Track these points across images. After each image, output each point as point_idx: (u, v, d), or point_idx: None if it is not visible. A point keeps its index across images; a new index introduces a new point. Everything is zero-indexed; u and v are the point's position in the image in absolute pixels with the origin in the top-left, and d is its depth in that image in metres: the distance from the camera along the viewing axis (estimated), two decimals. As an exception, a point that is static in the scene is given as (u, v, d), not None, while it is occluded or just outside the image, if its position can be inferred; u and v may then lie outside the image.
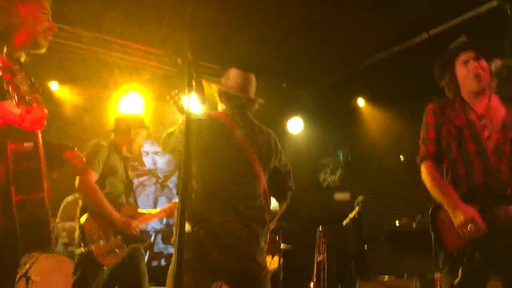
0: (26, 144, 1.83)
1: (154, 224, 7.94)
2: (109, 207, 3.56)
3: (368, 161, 7.64)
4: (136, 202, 3.99)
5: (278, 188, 2.86)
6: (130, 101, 6.98)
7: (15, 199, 1.76)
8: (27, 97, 1.82)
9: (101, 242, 3.48)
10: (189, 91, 1.85)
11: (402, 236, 5.36)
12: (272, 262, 5.71)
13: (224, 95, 2.90)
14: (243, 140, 2.77)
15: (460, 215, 2.36)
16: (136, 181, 7.98)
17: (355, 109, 7.93)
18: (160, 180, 8.19)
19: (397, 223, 5.56)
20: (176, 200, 4.18)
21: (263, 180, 2.77)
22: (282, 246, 5.70)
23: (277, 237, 5.82)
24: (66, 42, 6.17)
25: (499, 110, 2.58)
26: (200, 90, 1.99)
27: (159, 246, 7.93)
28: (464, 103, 2.64)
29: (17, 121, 1.84)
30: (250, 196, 2.67)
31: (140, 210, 3.93)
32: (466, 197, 2.44)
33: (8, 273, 1.92)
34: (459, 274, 2.32)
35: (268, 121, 9.18)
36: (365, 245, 6.08)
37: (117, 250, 3.55)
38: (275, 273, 6.00)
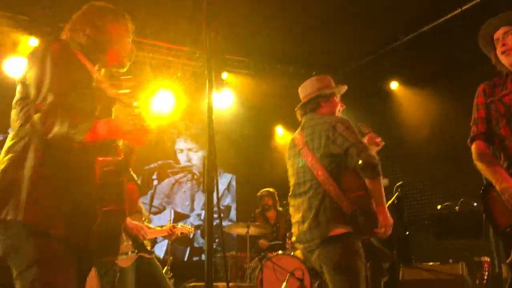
0: (115, 158, 1.94)
1: (192, 220, 8.01)
2: None
3: (405, 145, 7.46)
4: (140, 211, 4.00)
5: (354, 169, 2.81)
6: (161, 99, 7.03)
7: (104, 209, 1.86)
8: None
9: None
10: (210, 83, 1.80)
11: (445, 219, 5.19)
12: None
13: None
14: (304, 150, 2.94)
15: (508, 190, 2.31)
16: (172, 179, 8.06)
17: (389, 93, 7.75)
18: (196, 177, 8.25)
19: (438, 207, 5.39)
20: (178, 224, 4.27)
21: (320, 170, 2.79)
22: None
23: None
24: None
25: None
26: (218, 80, 1.95)
27: (199, 241, 8.01)
28: None
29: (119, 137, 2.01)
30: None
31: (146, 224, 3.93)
32: None
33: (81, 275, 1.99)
34: None
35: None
36: (407, 231, 5.93)
37: (129, 253, 3.59)
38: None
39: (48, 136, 1.79)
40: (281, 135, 8.78)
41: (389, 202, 5.46)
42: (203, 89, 2.88)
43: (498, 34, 2.60)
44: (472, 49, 6.46)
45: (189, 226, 4.50)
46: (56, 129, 1.77)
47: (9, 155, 1.87)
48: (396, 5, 5.91)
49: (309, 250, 2.77)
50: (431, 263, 5.18)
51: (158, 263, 3.85)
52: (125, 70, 2.26)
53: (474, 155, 2.58)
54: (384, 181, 8.60)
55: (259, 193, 6.42)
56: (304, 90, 3.18)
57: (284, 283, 4.75)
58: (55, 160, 1.85)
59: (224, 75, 7.40)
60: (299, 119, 3.20)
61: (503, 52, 2.57)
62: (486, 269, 4.69)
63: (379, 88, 7.72)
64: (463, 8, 5.94)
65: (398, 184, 5.55)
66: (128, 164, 2.00)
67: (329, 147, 2.77)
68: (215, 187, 1.70)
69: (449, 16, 6.20)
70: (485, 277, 4.64)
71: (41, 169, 1.83)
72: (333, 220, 2.67)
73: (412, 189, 6.90)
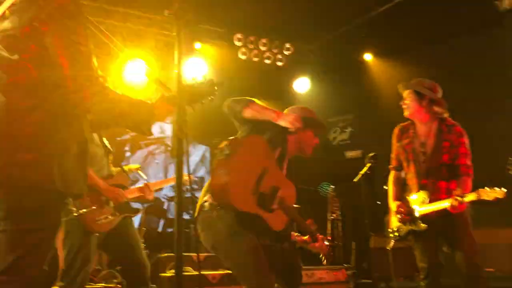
0: None
1: (167, 191, 7.98)
2: (89, 173, 3.43)
3: (379, 116, 7.53)
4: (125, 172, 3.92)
5: None
6: (134, 68, 6.88)
7: None
8: None
9: (94, 208, 3.43)
10: (179, 46, 1.76)
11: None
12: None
13: None
14: None
15: (392, 205, 3.67)
16: (145, 150, 7.98)
17: (363, 64, 7.77)
18: (169, 148, 8.18)
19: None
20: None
21: None
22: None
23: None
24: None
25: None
26: (189, 41, 1.90)
27: (173, 212, 8.00)
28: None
29: None
30: None
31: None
32: None
33: None
34: None
35: (275, 82, 9.10)
36: (378, 201, 6.04)
37: (109, 217, 3.52)
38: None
39: None
40: (256, 106, 8.72)
41: (362, 172, 5.53)
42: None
43: (403, 94, 3.67)
44: (444, 21, 6.52)
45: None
46: None
47: None
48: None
49: None
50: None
51: (131, 221, 3.79)
52: None
53: (388, 181, 3.76)
54: (357, 152, 8.77)
55: None
56: None
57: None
58: None
59: (198, 45, 7.28)
60: None
61: (404, 108, 3.61)
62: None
63: (353, 59, 7.72)
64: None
65: (370, 155, 5.61)
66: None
67: None
68: (186, 154, 1.68)
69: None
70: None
71: None
72: None
73: (385, 159, 6.99)
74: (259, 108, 2.79)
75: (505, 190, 3.13)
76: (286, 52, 7.85)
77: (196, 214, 2.73)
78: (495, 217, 5.38)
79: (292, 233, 3.14)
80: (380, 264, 5.56)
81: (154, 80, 1.96)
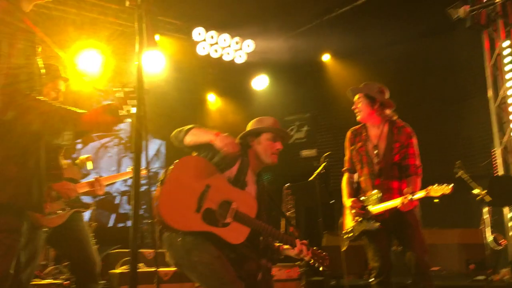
0: None
1: (119, 186, 7.79)
2: None
3: (335, 116, 7.64)
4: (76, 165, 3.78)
5: None
6: (88, 59, 6.66)
7: None
8: None
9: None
10: (141, 38, 1.69)
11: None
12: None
13: None
14: None
15: (347, 203, 3.68)
16: (97, 143, 7.76)
17: (321, 64, 7.86)
18: (123, 141, 7.99)
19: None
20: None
21: None
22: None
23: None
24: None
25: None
26: (151, 33, 1.83)
27: (125, 207, 7.83)
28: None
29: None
30: None
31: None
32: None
33: None
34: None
35: (233, 79, 9.04)
36: (332, 199, 6.13)
37: (60, 212, 3.39)
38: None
39: None
40: (213, 102, 8.67)
41: (317, 171, 5.59)
42: (133, 49, 2.71)
43: (354, 99, 3.72)
44: (400, 25, 6.66)
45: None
46: None
47: None
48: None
49: None
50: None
51: (82, 216, 3.66)
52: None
53: (342, 182, 3.80)
54: (312, 151, 8.85)
55: None
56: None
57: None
58: None
59: (156, 37, 7.13)
60: None
61: (356, 112, 3.70)
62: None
63: (312, 59, 7.80)
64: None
65: (325, 154, 5.67)
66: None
67: None
68: (145, 148, 1.62)
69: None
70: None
71: None
72: None
73: (339, 159, 7.09)
74: (197, 132, 2.82)
75: (451, 185, 3.23)
76: (246, 49, 7.83)
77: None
78: (443, 218, 5.58)
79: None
80: (332, 262, 5.64)
81: (95, 89, 1.87)
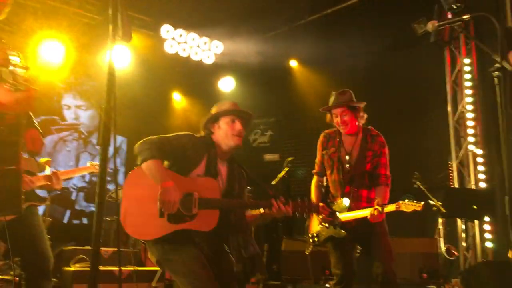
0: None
1: (75, 181, 7.58)
2: None
3: (298, 122, 7.69)
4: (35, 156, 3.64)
5: None
6: (49, 50, 6.45)
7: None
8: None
9: None
10: (114, 30, 1.64)
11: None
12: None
13: None
14: None
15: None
16: (55, 136, 7.52)
17: (288, 70, 7.91)
18: (83, 136, 7.78)
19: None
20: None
21: None
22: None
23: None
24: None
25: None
26: (126, 25, 1.79)
27: (81, 204, 7.61)
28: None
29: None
30: None
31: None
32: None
33: None
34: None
35: (200, 79, 8.94)
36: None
37: None
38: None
39: None
40: (179, 100, 8.57)
41: (279, 176, 5.62)
42: (97, 42, 2.64)
43: (337, 112, 3.57)
44: (366, 37, 6.78)
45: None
46: None
47: None
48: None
49: None
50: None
51: (37, 211, 3.52)
52: (2, 18, 2.03)
53: (311, 185, 3.74)
54: (275, 156, 8.84)
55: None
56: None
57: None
58: None
59: (119, 31, 6.97)
60: None
61: (340, 126, 3.57)
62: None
63: (279, 64, 7.83)
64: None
65: (288, 159, 5.71)
66: (21, 125, 1.89)
67: None
68: (113, 144, 1.57)
69: (349, 3, 6.46)
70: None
71: None
72: None
73: (301, 165, 7.16)
74: (152, 168, 2.77)
75: (422, 203, 3.26)
76: (214, 50, 7.79)
77: None
78: (398, 227, 5.70)
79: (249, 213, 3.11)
80: (290, 267, 5.68)
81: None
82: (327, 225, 3.49)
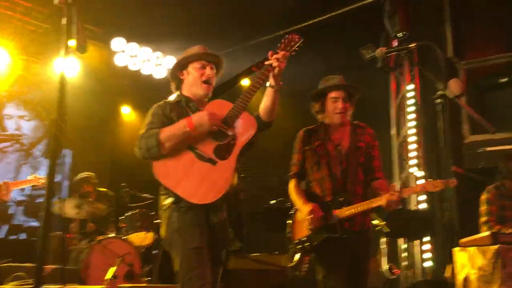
0: None
1: (15, 195, 7.21)
2: None
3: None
4: None
5: None
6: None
7: None
8: None
9: None
10: (68, 39, 1.61)
11: (277, 213, 5.51)
12: (146, 238, 5.54)
13: None
14: None
15: (302, 207, 3.16)
16: (-5, 147, 7.17)
17: (239, 88, 7.95)
18: (25, 147, 7.45)
19: (272, 202, 5.71)
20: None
21: None
22: (156, 221, 5.53)
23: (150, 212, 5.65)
24: None
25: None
26: (81, 35, 1.76)
27: (19, 218, 7.24)
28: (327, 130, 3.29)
29: None
30: None
31: None
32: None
33: None
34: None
35: (151, 94, 8.80)
36: (242, 223, 6.17)
37: None
38: (148, 248, 5.83)
39: None
40: (127, 114, 8.39)
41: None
42: (45, 51, 2.57)
43: (338, 94, 3.21)
44: (308, 62, 6.97)
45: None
46: None
47: None
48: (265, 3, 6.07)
49: None
50: (258, 254, 5.46)
51: None
52: None
53: (290, 189, 3.32)
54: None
55: (76, 178, 5.81)
56: None
57: (113, 268, 4.55)
58: None
59: (72, 42, 6.81)
60: None
61: (336, 113, 3.20)
62: (307, 261, 5.08)
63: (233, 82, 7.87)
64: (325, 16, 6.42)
65: (239, 176, 5.70)
66: None
67: None
68: (60, 156, 1.53)
69: (309, 23, 6.63)
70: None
71: None
72: None
73: (253, 183, 7.18)
74: (170, 130, 2.66)
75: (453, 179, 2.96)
76: (166, 65, 7.76)
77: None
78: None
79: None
80: (239, 286, 5.63)
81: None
82: (320, 226, 3.05)
